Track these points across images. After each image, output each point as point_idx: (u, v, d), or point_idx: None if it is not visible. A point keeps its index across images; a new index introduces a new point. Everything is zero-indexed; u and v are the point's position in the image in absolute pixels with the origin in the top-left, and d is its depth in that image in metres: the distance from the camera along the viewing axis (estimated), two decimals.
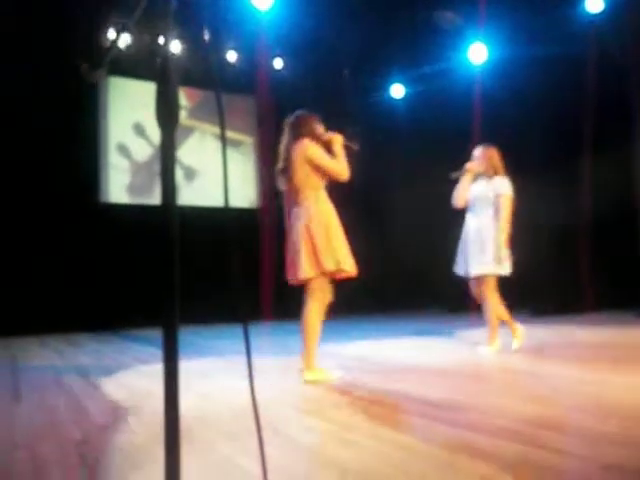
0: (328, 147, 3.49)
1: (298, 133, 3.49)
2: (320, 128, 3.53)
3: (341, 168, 3.44)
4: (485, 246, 4.20)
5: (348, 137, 3.56)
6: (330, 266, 3.29)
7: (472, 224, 4.28)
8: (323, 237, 3.32)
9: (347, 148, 3.51)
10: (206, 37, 1.32)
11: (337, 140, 3.50)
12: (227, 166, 1.19)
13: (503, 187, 4.30)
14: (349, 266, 3.35)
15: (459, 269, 4.31)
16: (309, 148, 3.41)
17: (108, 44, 5.17)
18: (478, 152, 4.36)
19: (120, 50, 5.73)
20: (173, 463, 1.14)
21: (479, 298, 4.31)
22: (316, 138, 3.48)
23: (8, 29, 5.96)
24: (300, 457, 1.96)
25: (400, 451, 1.98)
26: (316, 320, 3.40)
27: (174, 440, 1.13)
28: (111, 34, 5.88)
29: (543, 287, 7.33)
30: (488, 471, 1.76)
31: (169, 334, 1.14)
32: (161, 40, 1.04)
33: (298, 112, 3.57)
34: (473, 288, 4.32)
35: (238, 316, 1.31)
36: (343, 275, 3.41)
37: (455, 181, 4.40)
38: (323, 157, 3.43)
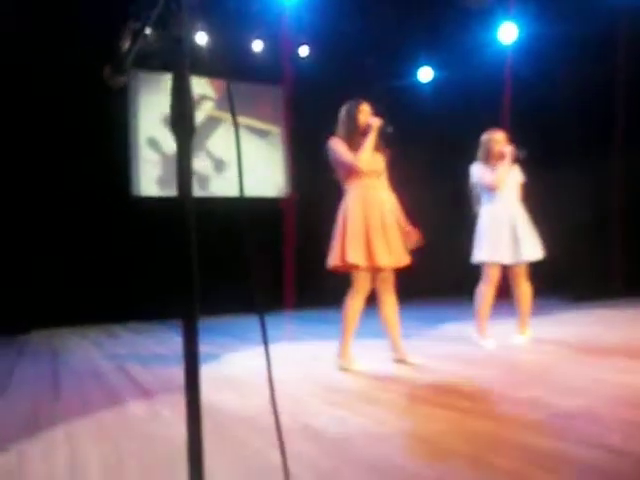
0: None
1: (335, 130, 3.55)
2: (360, 117, 3.48)
3: (353, 159, 3.42)
4: (533, 232, 4.20)
5: (384, 121, 3.51)
6: (333, 261, 3.39)
7: (510, 210, 4.17)
8: (337, 232, 3.43)
9: (382, 131, 3.48)
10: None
11: (373, 126, 3.46)
12: (241, 157, 1.19)
13: (521, 174, 4.33)
14: (361, 260, 3.31)
15: (500, 257, 4.10)
16: (329, 145, 3.49)
17: (127, 49, 5.16)
18: (500, 136, 4.26)
19: (144, 47, 5.69)
20: (196, 458, 1.16)
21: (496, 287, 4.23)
22: (351, 133, 3.48)
23: (38, 26, 6.09)
24: (329, 452, 1.97)
25: (427, 446, 1.98)
26: (351, 310, 3.45)
27: (197, 438, 1.15)
28: (129, 38, 5.87)
29: (577, 273, 7.16)
30: (516, 466, 1.75)
31: (189, 328, 1.15)
32: (177, 49, 1.04)
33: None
34: (498, 275, 4.16)
35: (254, 306, 1.33)
36: (357, 268, 3.39)
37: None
38: (336, 151, 3.46)
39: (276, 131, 8.03)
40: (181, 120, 1.03)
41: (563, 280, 7.24)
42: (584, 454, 1.81)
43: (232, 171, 7.53)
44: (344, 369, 3.39)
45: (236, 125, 1.17)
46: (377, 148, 3.54)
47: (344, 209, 3.46)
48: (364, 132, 3.47)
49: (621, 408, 2.32)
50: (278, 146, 8.04)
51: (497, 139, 4.26)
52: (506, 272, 4.24)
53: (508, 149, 4.20)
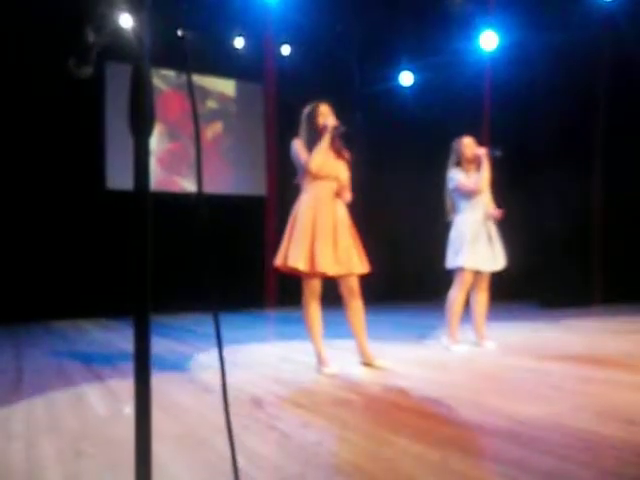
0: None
1: (298, 132, 3.54)
2: (318, 119, 3.45)
3: (306, 159, 3.39)
4: (500, 240, 4.27)
5: (340, 122, 3.47)
6: (277, 261, 3.40)
7: (483, 217, 4.20)
8: (285, 233, 3.42)
9: (337, 132, 3.43)
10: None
11: (328, 126, 3.41)
12: (200, 152, 1.15)
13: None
14: (302, 264, 3.25)
15: (481, 264, 4.11)
16: (291, 145, 3.49)
17: (92, 41, 5.12)
18: (469, 141, 4.27)
19: (112, 40, 5.54)
20: (144, 459, 1.13)
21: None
22: (310, 134, 3.46)
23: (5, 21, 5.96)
24: (294, 456, 1.95)
25: (393, 451, 1.97)
26: (308, 314, 3.46)
27: (146, 434, 1.12)
28: (94, 31, 5.74)
29: (551, 282, 7.25)
30: (481, 474, 1.74)
31: (141, 323, 1.11)
32: (136, 42, 1.00)
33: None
34: (472, 281, 4.19)
35: (210, 307, 1.30)
36: (297, 272, 3.37)
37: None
38: (294, 152, 3.46)
39: (257, 129, 7.98)
40: (139, 115, 0.99)
41: (536, 288, 7.33)
42: (548, 464, 1.82)
43: (205, 167, 7.47)
44: (322, 373, 3.37)
45: (196, 119, 1.13)
46: (339, 154, 3.52)
47: (295, 210, 3.44)
48: (321, 133, 3.43)
49: (585, 418, 2.34)
50: (258, 144, 7.99)
51: (467, 143, 4.27)
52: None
53: (482, 151, 4.21)
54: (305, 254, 3.27)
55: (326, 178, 3.43)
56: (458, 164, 4.27)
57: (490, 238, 4.18)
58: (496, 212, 4.20)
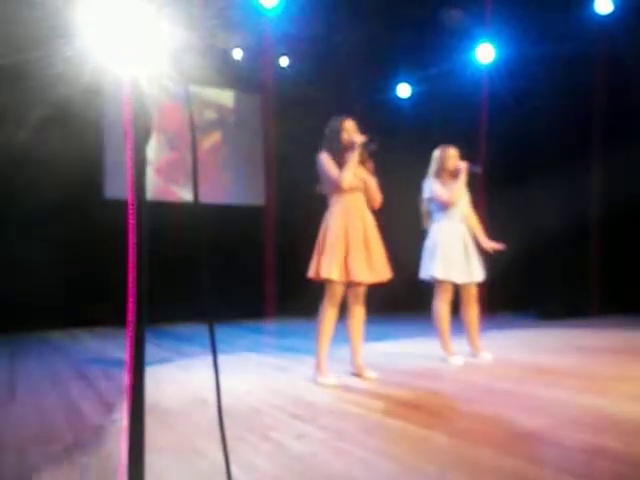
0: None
1: (322, 145, 3.56)
2: (344, 135, 3.48)
3: (338, 176, 3.42)
4: (477, 251, 4.24)
5: (367, 138, 3.48)
6: (310, 273, 3.44)
7: (462, 228, 4.18)
8: (317, 245, 3.47)
9: (366, 148, 3.48)
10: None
11: (357, 143, 3.44)
12: (197, 162, 1.15)
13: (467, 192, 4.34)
14: (335, 275, 3.32)
15: (455, 275, 4.07)
16: (317, 160, 3.52)
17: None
18: (453, 152, 4.24)
19: None
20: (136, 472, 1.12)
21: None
22: (336, 149, 3.49)
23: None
24: (289, 466, 1.93)
25: (389, 463, 1.95)
26: (325, 321, 3.45)
27: (139, 445, 1.11)
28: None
29: (550, 289, 7.24)
30: None
31: (137, 333, 1.10)
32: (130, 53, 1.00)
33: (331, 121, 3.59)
34: (451, 291, 4.15)
35: (206, 316, 1.30)
36: (325, 281, 3.40)
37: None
38: (324, 167, 3.48)
39: (255, 139, 8.00)
40: (136, 124, 0.99)
41: (534, 299, 7.32)
42: (545, 475, 1.81)
43: (202, 177, 7.48)
44: (318, 383, 3.35)
45: (193, 129, 1.14)
46: (363, 164, 3.56)
47: (326, 223, 3.49)
48: (348, 149, 3.47)
49: (582, 430, 2.32)
50: (256, 154, 8.01)
51: (450, 155, 4.22)
52: (457, 290, 4.23)
53: (463, 165, 4.19)
54: (339, 265, 3.35)
55: (355, 190, 3.50)
56: (438, 173, 4.24)
57: (466, 250, 4.15)
58: (489, 245, 4.22)
